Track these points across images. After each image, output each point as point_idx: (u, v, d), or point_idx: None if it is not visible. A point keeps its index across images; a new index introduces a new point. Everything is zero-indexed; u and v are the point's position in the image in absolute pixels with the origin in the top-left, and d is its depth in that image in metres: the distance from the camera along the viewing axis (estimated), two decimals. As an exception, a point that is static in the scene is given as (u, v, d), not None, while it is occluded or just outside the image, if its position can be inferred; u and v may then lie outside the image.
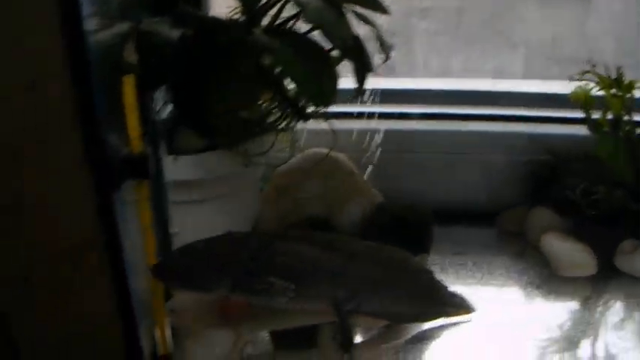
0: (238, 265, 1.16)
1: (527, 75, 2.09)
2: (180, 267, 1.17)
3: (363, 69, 1.31)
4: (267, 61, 1.24)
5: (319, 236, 1.27)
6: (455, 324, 1.42)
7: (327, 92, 1.17)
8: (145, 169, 1.03)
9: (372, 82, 1.43)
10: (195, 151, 1.36)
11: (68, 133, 0.92)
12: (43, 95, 0.89)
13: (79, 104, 0.90)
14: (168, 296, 1.25)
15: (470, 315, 1.42)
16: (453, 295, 1.42)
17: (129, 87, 0.99)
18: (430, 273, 1.39)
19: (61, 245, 1.00)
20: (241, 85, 1.21)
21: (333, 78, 1.19)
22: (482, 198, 1.86)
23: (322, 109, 1.31)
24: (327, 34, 1.20)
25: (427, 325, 1.41)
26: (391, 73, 1.73)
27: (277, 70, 1.31)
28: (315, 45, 1.21)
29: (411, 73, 2.04)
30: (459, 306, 1.42)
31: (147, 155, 1.03)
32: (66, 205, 0.97)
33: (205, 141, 1.35)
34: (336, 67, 1.24)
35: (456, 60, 2.11)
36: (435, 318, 1.40)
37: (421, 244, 1.54)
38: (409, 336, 1.38)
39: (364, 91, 1.41)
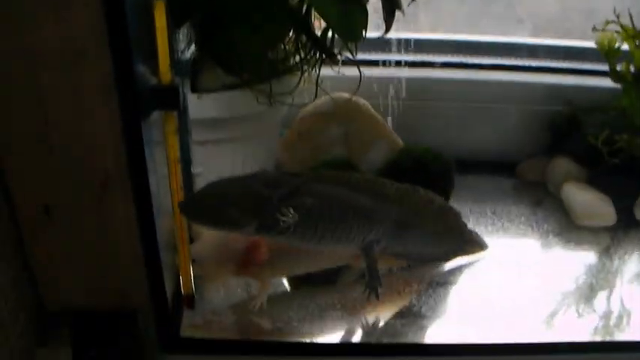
0: (267, 205, 1.14)
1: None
2: (208, 204, 1.14)
3: (392, 8, 1.29)
4: (294, -1, 1.23)
5: (350, 177, 1.26)
6: (471, 264, 1.44)
7: (358, 27, 1.16)
8: (174, 100, 1.02)
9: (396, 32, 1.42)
10: (218, 90, 1.34)
11: (97, 58, 0.91)
12: (70, 17, 0.88)
13: (110, 28, 0.89)
14: (191, 239, 1.24)
15: (484, 252, 1.44)
16: (470, 233, 1.44)
17: (160, 11, 0.98)
18: (456, 214, 1.39)
19: (84, 175, 1.00)
20: (269, 22, 1.19)
21: (364, 13, 1.18)
22: (503, 147, 1.85)
23: (352, 45, 1.31)
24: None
25: (447, 266, 1.42)
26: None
27: (305, 7, 1.30)
28: None
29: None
30: (475, 243, 1.44)
31: (176, 86, 1.02)
32: (91, 133, 0.96)
33: (230, 79, 1.33)
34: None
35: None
36: (456, 256, 1.42)
37: (442, 190, 1.50)
38: (430, 277, 1.38)
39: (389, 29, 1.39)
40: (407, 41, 1.67)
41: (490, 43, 1.92)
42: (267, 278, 1.25)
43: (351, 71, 1.40)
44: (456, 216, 1.39)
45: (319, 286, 1.34)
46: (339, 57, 1.37)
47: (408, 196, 1.31)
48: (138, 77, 0.94)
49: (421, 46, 1.80)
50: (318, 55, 1.37)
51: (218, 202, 1.14)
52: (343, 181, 1.23)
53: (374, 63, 1.68)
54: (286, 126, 1.60)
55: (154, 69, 1.02)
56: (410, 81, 1.68)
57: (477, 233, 1.45)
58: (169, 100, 1.02)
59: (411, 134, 1.63)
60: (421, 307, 1.29)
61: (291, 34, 1.38)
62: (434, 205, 1.35)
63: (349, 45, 1.31)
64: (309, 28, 1.32)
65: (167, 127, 1.05)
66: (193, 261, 1.18)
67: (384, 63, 1.69)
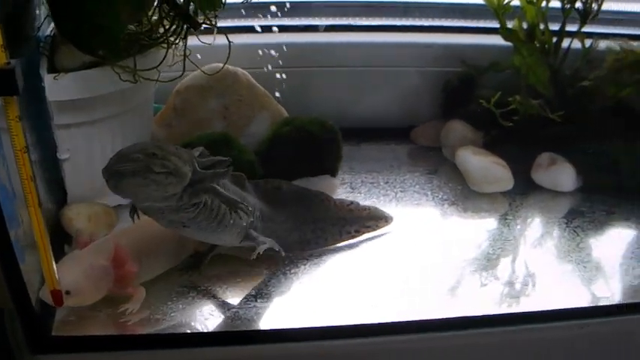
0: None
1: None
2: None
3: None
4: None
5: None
6: (375, 237, 1.41)
7: None
8: (11, 84, 0.92)
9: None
10: (78, 69, 1.26)
11: None
12: None
13: None
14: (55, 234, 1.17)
15: (389, 225, 1.42)
16: (367, 209, 1.40)
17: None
18: (328, 198, 1.38)
19: None
20: None
21: None
22: (396, 112, 1.81)
23: (212, 14, 1.24)
24: None
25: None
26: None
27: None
28: None
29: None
30: (377, 218, 1.41)
31: (13, 68, 0.92)
32: None
33: (88, 57, 1.26)
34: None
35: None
36: (357, 235, 1.39)
37: (329, 160, 1.50)
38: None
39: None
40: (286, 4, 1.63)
41: (378, 2, 1.89)
42: (138, 287, 1.20)
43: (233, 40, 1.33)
44: (329, 200, 1.38)
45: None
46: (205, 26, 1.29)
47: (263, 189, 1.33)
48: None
49: (303, 9, 1.77)
50: (183, 25, 1.28)
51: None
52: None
53: (253, 30, 1.63)
54: (162, 102, 1.53)
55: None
56: (295, 47, 1.64)
57: (375, 208, 1.42)
58: (6, 84, 0.92)
59: (299, 105, 1.58)
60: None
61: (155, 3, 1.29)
62: (280, 192, 1.35)
63: (207, 13, 1.25)
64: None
65: (9, 113, 0.95)
66: (67, 293, 1.10)
67: (264, 29, 1.63)
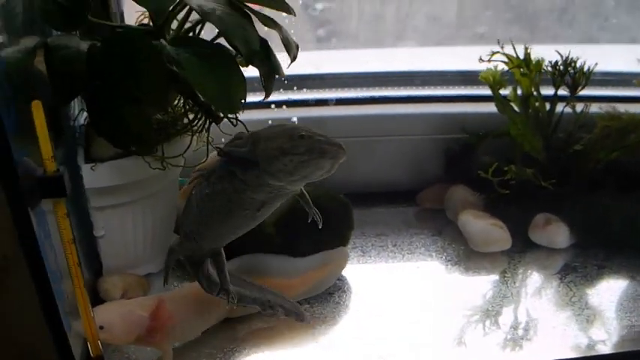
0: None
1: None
2: None
3: (270, 73, 1.32)
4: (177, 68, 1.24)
5: None
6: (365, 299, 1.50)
7: (236, 100, 1.17)
8: (60, 188, 1.04)
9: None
10: (111, 158, 1.36)
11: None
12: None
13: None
14: (93, 301, 1.27)
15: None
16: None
17: (37, 111, 1.00)
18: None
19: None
20: (152, 92, 1.21)
21: (241, 85, 1.19)
22: (403, 178, 1.91)
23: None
24: (231, 40, 1.22)
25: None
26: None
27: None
28: (222, 52, 1.22)
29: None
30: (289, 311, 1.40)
31: (61, 175, 1.04)
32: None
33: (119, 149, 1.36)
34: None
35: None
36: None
37: (342, 232, 1.58)
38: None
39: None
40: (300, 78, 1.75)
41: (383, 74, 1.98)
42: (169, 346, 1.28)
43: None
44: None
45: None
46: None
47: None
48: (21, 171, 0.97)
49: (315, 81, 1.87)
50: (204, 117, 1.39)
51: None
52: None
53: (267, 105, 1.72)
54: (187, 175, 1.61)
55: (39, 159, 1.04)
56: (305, 120, 1.72)
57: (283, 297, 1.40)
58: (55, 189, 1.05)
59: None
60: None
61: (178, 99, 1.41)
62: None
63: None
64: (194, 94, 1.34)
65: (57, 212, 1.08)
66: (101, 327, 1.20)
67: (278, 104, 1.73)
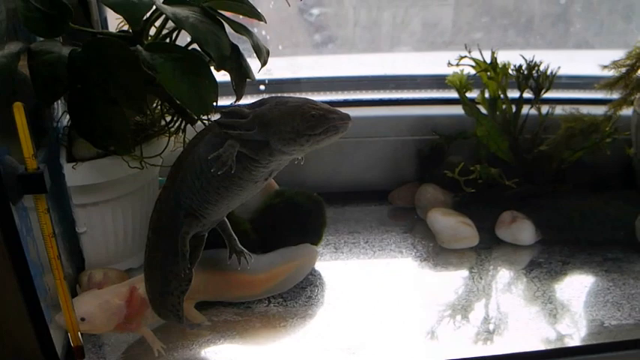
0: None
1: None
2: None
3: (241, 77, 1.39)
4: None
5: None
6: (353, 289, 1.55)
7: (207, 102, 1.23)
8: (40, 185, 1.11)
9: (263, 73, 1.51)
10: (93, 158, 1.42)
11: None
12: None
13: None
14: (75, 295, 1.33)
15: None
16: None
17: (19, 112, 1.06)
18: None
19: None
20: (129, 95, 1.26)
21: (213, 88, 1.25)
22: (376, 178, 1.97)
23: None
24: (203, 46, 1.28)
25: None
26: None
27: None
28: (194, 57, 1.28)
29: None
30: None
31: (42, 172, 1.10)
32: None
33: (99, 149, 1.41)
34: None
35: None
36: None
37: (314, 227, 1.63)
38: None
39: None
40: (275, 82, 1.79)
41: (357, 78, 2.04)
42: (147, 328, 1.34)
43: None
44: None
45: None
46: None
47: None
48: (3, 169, 1.04)
49: (289, 85, 1.92)
50: (180, 119, 1.45)
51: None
52: None
53: None
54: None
55: (21, 158, 1.11)
56: None
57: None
58: (36, 185, 1.11)
59: (290, 175, 1.63)
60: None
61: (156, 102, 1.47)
62: None
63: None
64: (170, 97, 1.40)
65: (38, 208, 1.14)
66: (82, 319, 1.26)
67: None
